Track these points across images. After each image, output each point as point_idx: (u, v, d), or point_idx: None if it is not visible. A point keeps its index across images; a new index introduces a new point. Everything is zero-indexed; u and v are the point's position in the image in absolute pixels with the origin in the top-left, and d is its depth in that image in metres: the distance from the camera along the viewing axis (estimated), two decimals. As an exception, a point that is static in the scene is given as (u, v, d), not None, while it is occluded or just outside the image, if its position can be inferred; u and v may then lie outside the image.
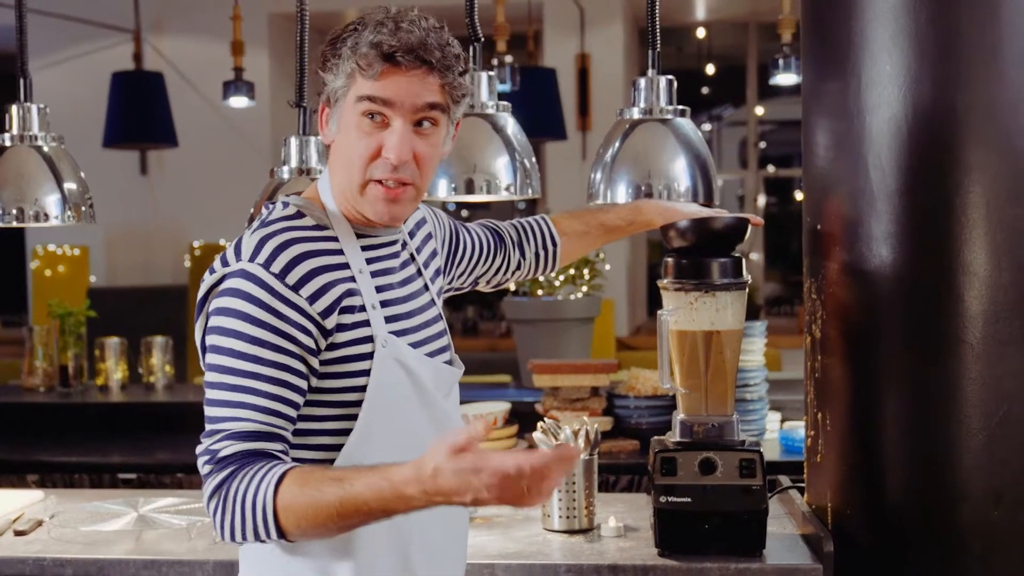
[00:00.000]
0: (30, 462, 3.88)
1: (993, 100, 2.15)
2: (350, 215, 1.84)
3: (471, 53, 2.62)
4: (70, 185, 2.77)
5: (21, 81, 2.79)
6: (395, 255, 1.90)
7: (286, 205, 1.83)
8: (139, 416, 4.32)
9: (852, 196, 2.31)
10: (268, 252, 1.72)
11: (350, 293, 1.77)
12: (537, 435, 2.64)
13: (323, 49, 1.80)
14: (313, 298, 1.72)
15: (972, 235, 2.16)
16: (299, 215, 1.81)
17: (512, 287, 4.48)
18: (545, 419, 2.74)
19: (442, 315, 1.99)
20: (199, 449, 1.72)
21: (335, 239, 1.81)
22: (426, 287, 1.96)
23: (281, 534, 1.64)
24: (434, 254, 2.05)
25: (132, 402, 4.44)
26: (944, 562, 2.22)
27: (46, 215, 2.74)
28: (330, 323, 1.74)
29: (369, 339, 1.78)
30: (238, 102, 5.86)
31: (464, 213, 8.71)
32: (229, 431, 1.69)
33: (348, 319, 1.76)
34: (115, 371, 4.62)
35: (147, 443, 4.01)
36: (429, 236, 2.05)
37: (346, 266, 1.79)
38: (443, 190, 2.54)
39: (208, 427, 1.72)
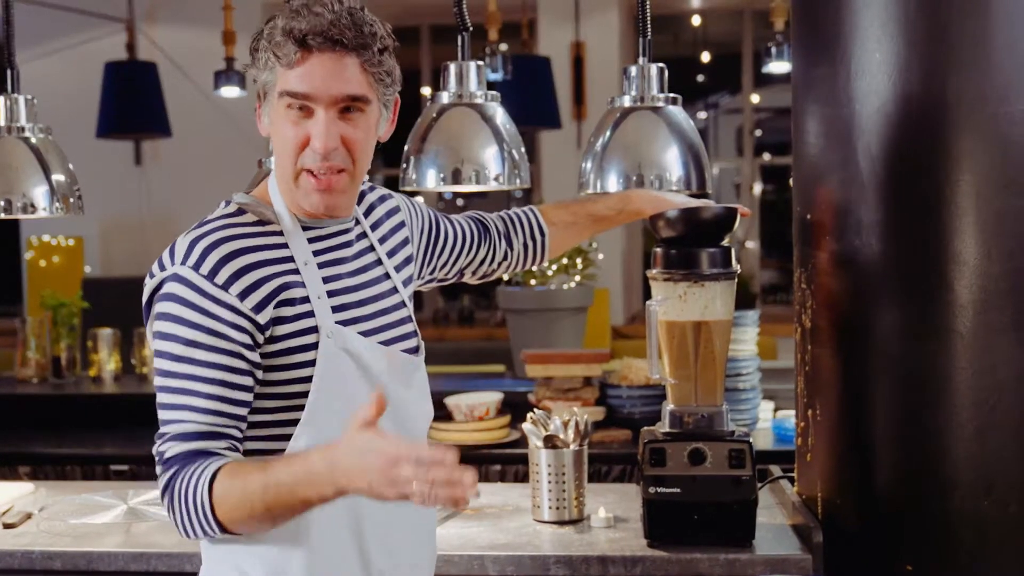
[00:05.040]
0: (22, 454, 3.87)
1: (982, 88, 2.13)
2: (296, 209, 1.84)
3: (459, 43, 2.60)
4: (58, 176, 2.75)
5: (8, 72, 2.77)
6: (347, 244, 1.90)
7: (228, 203, 1.85)
8: (132, 407, 4.30)
9: (842, 185, 2.30)
10: (197, 254, 1.74)
11: (288, 286, 1.77)
12: (527, 426, 2.63)
13: (251, 42, 1.81)
14: (244, 294, 1.73)
15: (962, 224, 2.15)
16: (239, 212, 1.83)
17: (506, 277, 4.47)
18: (536, 409, 2.74)
19: (406, 303, 1.98)
20: (153, 448, 1.76)
21: (278, 233, 1.81)
22: (387, 275, 1.96)
23: (221, 527, 1.69)
24: (405, 243, 2.04)
25: (125, 393, 4.42)
26: (935, 552, 2.21)
27: (34, 207, 2.72)
28: (263, 317, 1.75)
29: (313, 330, 1.79)
30: (229, 92, 5.83)
31: (459, 203, 8.69)
32: (172, 433, 1.73)
33: (288, 311, 1.77)
34: (108, 362, 4.61)
35: (140, 434, 3.95)
36: (401, 225, 2.04)
37: (289, 259, 1.80)
38: (431, 180, 2.53)
39: (159, 430, 1.76)
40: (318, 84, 1.74)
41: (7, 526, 2.55)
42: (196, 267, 1.73)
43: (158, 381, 1.75)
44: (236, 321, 1.73)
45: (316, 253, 1.84)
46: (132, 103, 6.42)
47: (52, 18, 6.99)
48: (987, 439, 2.16)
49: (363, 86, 1.77)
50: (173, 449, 1.72)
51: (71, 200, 2.78)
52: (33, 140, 2.76)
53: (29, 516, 2.63)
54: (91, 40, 7.42)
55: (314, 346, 1.78)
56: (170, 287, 1.74)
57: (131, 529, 2.53)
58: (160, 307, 1.75)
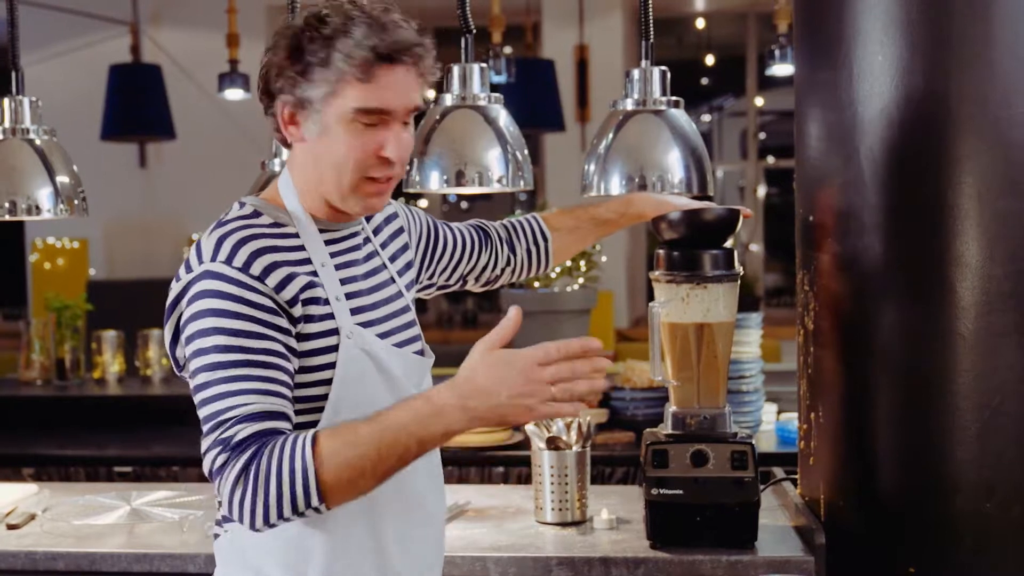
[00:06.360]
0: (26, 455, 3.88)
1: (985, 91, 2.13)
2: (316, 211, 1.84)
3: (463, 45, 2.60)
4: (62, 178, 2.76)
5: (13, 74, 2.78)
6: (357, 248, 1.91)
7: (242, 205, 1.84)
8: (135, 409, 4.32)
9: (844, 187, 2.30)
10: (228, 249, 1.73)
11: (311, 286, 1.77)
12: (530, 427, 2.63)
13: (289, 54, 1.74)
14: (279, 287, 1.73)
15: (964, 226, 2.15)
16: (256, 214, 1.82)
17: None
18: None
19: (411, 307, 1.99)
20: (207, 444, 1.69)
21: (295, 235, 1.81)
22: (393, 280, 1.96)
23: (321, 495, 1.63)
24: (404, 248, 2.05)
25: (128, 395, 4.44)
26: (937, 555, 2.21)
27: (38, 208, 2.73)
28: (296, 312, 1.74)
29: (335, 331, 1.79)
30: (233, 94, 5.85)
31: (463, 205, 8.69)
32: (238, 416, 1.67)
33: (314, 311, 1.77)
34: (112, 364, 4.62)
35: (143, 436, 4.00)
36: (400, 231, 2.05)
37: (307, 261, 1.80)
38: (435, 182, 2.53)
39: (210, 423, 1.69)
40: (395, 98, 1.76)
41: (11, 527, 2.56)
42: (228, 261, 1.72)
43: (205, 377, 1.69)
44: (275, 307, 1.72)
45: (332, 255, 1.84)
46: (136, 105, 6.43)
47: (57, 21, 7.02)
48: (989, 442, 2.16)
49: (420, 96, 1.81)
50: (245, 431, 1.65)
51: (75, 202, 2.78)
52: (37, 142, 2.76)
53: (33, 517, 2.63)
54: (96, 43, 7.43)
55: (334, 348, 1.78)
56: (204, 284, 1.72)
57: (134, 530, 2.54)
58: (195, 306, 1.72)
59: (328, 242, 1.85)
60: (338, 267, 1.84)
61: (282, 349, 1.72)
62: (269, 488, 1.63)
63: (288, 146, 1.85)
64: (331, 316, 1.79)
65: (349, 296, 1.83)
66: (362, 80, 1.73)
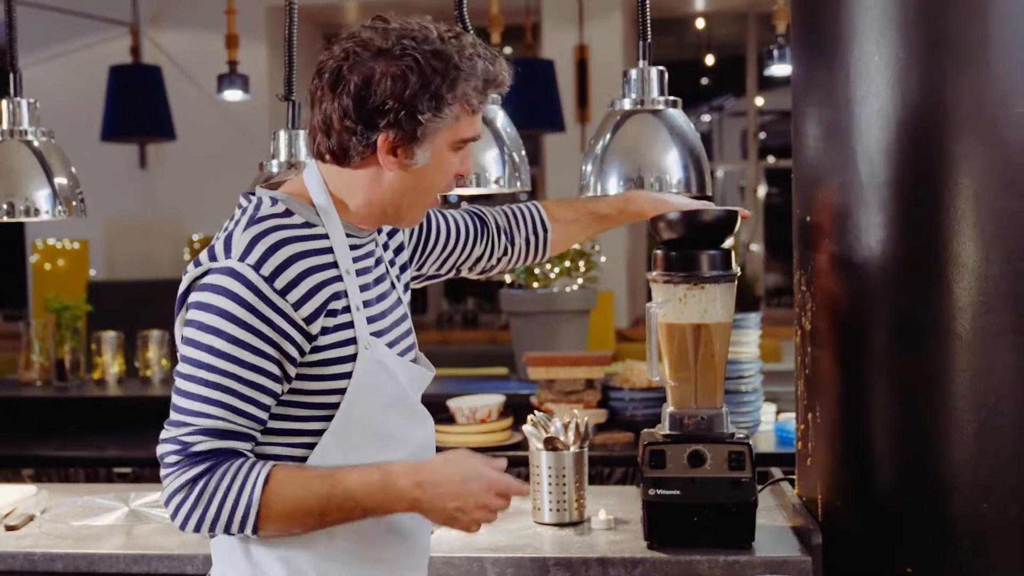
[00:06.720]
0: (25, 456, 3.88)
1: (981, 91, 2.13)
2: (349, 218, 1.83)
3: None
4: (61, 180, 2.77)
5: (11, 76, 2.78)
6: (371, 254, 1.90)
7: (275, 201, 1.80)
8: (135, 410, 4.32)
9: (841, 187, 2.30)
10: (260, 253, 1.71)
11: (337, 296, 1.76)
12: (527, 428, 2.64)
13: (418, 90, 1.72)
14: (300, 303, 1.71)
15: (961, 226, 2.15)
16: (288, 213, 1.79)
17: (508, 279, 4.47)
18: (536, 412, 2.74)
19: (408, 313, 1.99)
20: (165, 436, 1.72)
21: (324, 237, 1.79)
22: (393, 286, 1.96)
23: (256, 527, 1.70)
24: (401, 248, 2.04)
25: (128, 396, 4.43)
26: (934, 554, 2.21)
27: (37, 210, 2.74)
28: (315, 328, 1.74)
29: (352, 341, 1.78)
30: (232, 95, 5.86)
31: (463, 206, 8.68)
32: (202, 427, 1.70)
33: (331, 321, 1.76)
34: (112, 365, 4.62)
35: (142, 437, 3.97)
36: (395, 230, 2.04)
37: (334, 265, 1.78)
38: (432, 183, 2.53)
39: (176, 417, 1.72)
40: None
41: (9, 528, 2.56)
42: (256, 267, 1.70)
43: (188, 369, 1.71)
44: (287, 330, 1.71)
45: (354, 260, 1.83)
46: (136, 106, 6.44)
47: (57, 22, 7.02)
48: (985, 441, 2.16)
49: None
50: (205, 444, 1.69)
51: (74, 203, 2.79)
52: (36, 143, 2.77)
53: (31, 518, 2.63)
54: (96, 44, 7.44)
55: (350, 357, 1.77)
56: (221, 280, 1.70)
57: (132, 531, 2.54)
58: (205, 297, 1.71)
59: (351, 247, 1.84)
60: (358, 273, 1.83)
61: (276, 372, 1.72)
62: (211, 506, 1.70)
63: (337, 163, 1.80)
64: (350, 325, 1.78)
65: (366, 304, 1.83)
66: (475, 112, 1.79)
